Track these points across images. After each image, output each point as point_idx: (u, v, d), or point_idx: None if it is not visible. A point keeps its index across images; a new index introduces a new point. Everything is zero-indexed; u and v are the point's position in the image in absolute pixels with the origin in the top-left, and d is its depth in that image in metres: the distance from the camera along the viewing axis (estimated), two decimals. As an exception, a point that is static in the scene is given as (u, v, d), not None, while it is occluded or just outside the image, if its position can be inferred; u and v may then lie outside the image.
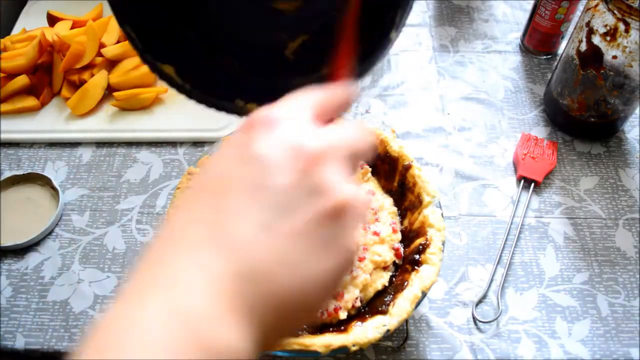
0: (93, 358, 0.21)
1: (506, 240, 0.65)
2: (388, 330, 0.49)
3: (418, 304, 0.52)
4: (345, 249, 0.26)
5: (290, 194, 0.25)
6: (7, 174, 0.70)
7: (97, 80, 0.77)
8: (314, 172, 0.26)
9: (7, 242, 0.63)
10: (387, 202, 0.60)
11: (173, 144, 0.75)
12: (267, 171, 0.25)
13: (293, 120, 0.27)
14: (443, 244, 0.55)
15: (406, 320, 0.54)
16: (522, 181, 0.70)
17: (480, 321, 0.59)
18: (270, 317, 0.24)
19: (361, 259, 0.55)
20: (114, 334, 0.22)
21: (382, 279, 0.55)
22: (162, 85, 0.80)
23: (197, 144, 0.75)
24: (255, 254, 0.24)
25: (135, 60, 0.79)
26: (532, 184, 0.70)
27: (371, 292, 0.54)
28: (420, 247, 0.56)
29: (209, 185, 0.26)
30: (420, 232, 0.57)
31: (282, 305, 0.24)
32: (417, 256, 0.55)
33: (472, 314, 0.60)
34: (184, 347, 0.21)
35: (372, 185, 0.62)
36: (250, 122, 0.28)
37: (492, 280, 0.62)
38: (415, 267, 0.55)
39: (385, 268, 0.56)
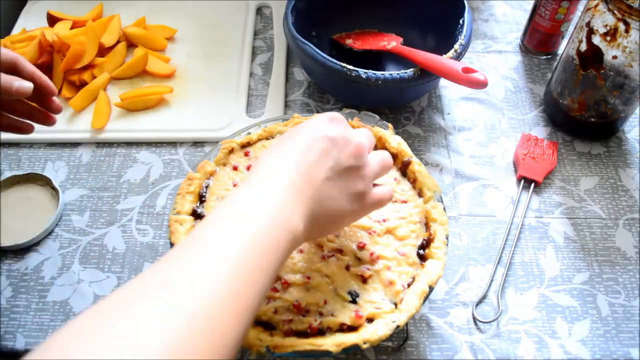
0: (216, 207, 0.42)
1: (506, 240, 0.65)
2: (398, 326, 0.49)
3: (426, 298, 0.52)
4: (353, 197, 0.45)
5: (343, 168, 0.44)
6: (7, 174, 0.70)
7: (101, 81, 0.77)
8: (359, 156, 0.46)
9: (7, 242, 0.63)
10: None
11: (173, 144, 0.75)
12: (334, 148, 0.44)
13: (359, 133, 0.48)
14: (447, 238, 0.55)
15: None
16: (522, 181, 0.70)
17: (481, 321, 0.59)
18: (315, 222, 0.42)
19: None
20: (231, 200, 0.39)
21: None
22: (167, 84, 0.80)
23: (197, 144, 0.75)
24: (321, 191, 0.43)
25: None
26: (532, 184, 0.70)
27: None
28: (424, 241, 0.56)
29: (299, 141, 0.44)
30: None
31: (323, 218, 0.43)
32: (421, 251, 0.55)
33: (472, 314, 0.60)
34: (272, 218, 0.38)
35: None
36: (334, 116, 0.47)
37: (492, 280, 0.62)
38: (421, 262, 0.55)
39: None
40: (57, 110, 0.58)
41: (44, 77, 0.55)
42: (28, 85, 0.52)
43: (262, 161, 0.43)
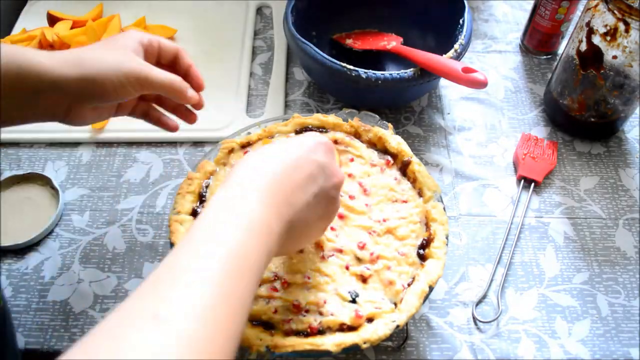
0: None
1: (506, 240, 0.65)
2: (398, 326, 0.49)
3: (426, 298, 0.52)
4: (325, 222, 0.48)
5: (317, 188, 0.44)
6: (7, 174, 0.70)
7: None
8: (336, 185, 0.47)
9: (7, 242, 0.63)
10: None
11: (173, 144, 0.75)
12: (322, 174, 0.44)
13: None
14: (447, 238, 0.55)
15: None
16: (522, 181, 0.70)
17: (480, 321, 0.59)
18: (287, 241, 0.42)
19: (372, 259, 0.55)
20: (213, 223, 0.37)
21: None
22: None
23: (197, 144, 0.74)
24: (299, 214, 0.42)
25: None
26: (532, 184, 0.70)
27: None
28: (424, 241, 0.56)
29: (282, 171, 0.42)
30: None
31: (294, 238, 0.43)
32: (421, 251, 0.55)
33: (472, 314, 0.60)
34: (251, 237, 0.37)
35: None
36: (328, 144, 0.47)
37: (492, 280, 0.62)
38: (421, 262, 0.55)
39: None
40: (200, 107, 0.57)
41: (197, 72, 0.56)
42: (197, 98, 0.54)
43: (244, 168, 0.42)
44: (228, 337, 0.33)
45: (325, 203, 0.45)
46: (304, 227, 0.44)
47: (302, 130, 0.65)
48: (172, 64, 0.55)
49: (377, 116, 0.66)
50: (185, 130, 0.74)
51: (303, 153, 0.44)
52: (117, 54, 0.49)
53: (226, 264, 0.34)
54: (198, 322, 0.31)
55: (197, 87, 0.56)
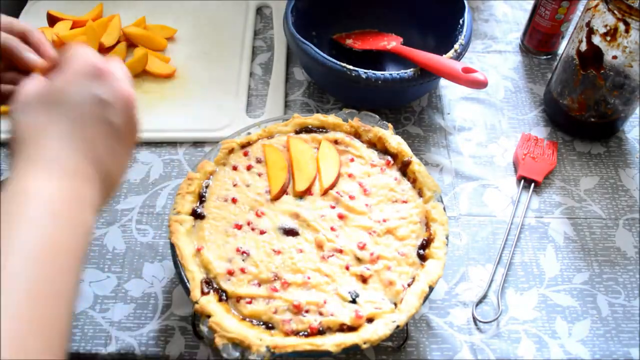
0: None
1: (506, 240, 0.65)
2: (398, 326, 0.49)
3: (426, 298, 0.52)
4: (131, 148, 0.46)
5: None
6: (7, 174, 0.70)
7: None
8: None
9: (7, 242, 0.63)
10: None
11: (173, 144, 0.75)
12: (106, 109, 0.42)
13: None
14: (447, 238, 0.55)
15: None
16: (522, 181, 0.70)
17: (481, 321, 0.59)
18: (106, 183, 0.41)
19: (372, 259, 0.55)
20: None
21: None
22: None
23: (197, 144, 0.74)
24: (107, 165, 0.41)
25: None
26: (532, 184, 0.70)
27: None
28: (424, 241, 0.56)
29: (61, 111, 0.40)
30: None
31: (110, 184, 0.42)
32: (421, 251, 0.55)
33: (472, 314, 0.60)
34: (69, 197, 0.37)
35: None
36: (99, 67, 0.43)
37: (492, 280, 0.62)
38: (421, 262, 0.55)
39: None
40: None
41: (48, 47, 0.48)
42: (38, 61, 0.47)
43: (35, 136, 0.39)
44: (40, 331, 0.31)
45: (124, 135, 0.43)
46: (116, 172, 0.43)
47: (302, 130, 0.65)
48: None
49: (377, 116, 0.66)
50: (185, 130, 0.75)
51: (80, 97, 0.41)
52: None
53: (39, 250, 0.34)
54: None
55: (49, 60, 0.48)
